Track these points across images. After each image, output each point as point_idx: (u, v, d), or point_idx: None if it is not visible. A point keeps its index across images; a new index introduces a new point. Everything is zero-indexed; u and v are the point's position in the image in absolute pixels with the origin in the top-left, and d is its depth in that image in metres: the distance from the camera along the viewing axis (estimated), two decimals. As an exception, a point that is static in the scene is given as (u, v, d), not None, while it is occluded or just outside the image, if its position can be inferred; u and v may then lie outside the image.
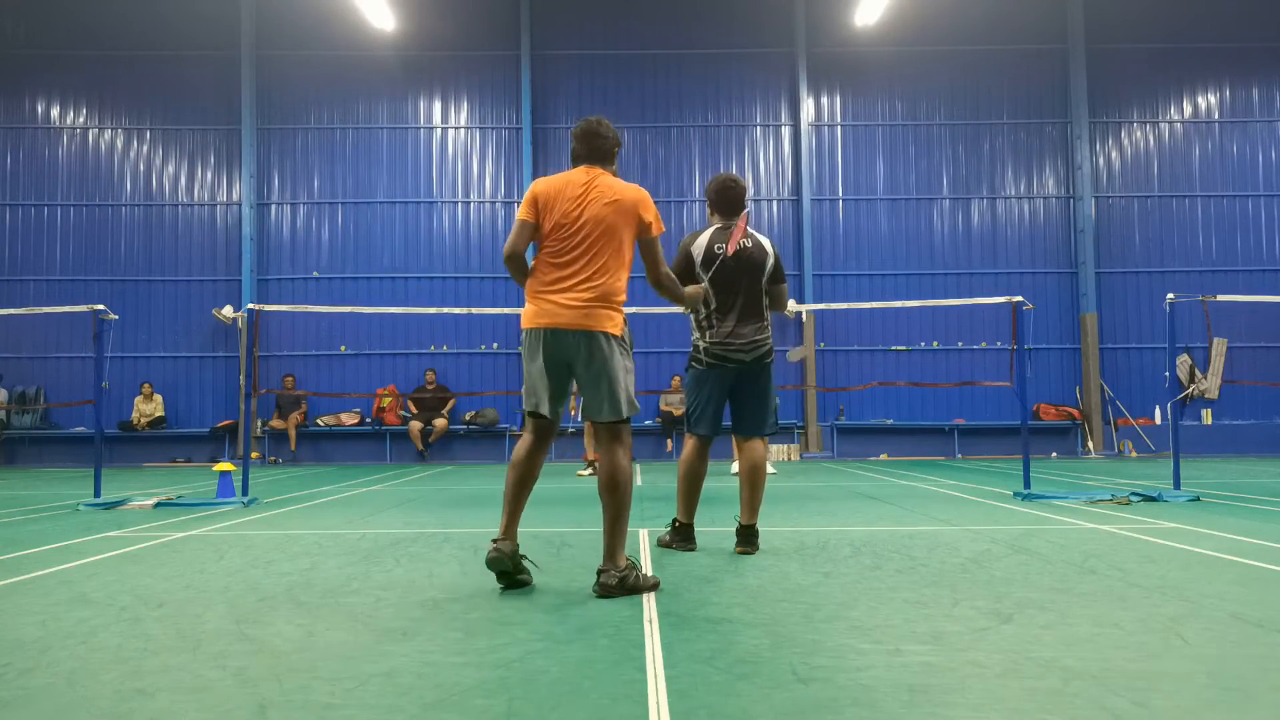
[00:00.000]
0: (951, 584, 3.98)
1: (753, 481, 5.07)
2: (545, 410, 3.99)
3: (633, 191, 4.02)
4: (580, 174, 4.04)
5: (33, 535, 6.07)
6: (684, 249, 5.06)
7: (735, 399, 5.10)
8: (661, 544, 5.23)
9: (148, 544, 5.53)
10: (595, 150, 4.08)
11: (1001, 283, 17.10)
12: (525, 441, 4.06)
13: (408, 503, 8.35)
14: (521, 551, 3.98)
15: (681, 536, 5.17)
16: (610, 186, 4.00)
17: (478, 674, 2.65)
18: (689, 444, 5.13)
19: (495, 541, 3.88)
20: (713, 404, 5.05)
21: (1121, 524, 6.12)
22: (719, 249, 4.99)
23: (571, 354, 3.93)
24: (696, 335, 5.08)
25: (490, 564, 3.84)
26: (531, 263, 4.06)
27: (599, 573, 3.81)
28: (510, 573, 3.89)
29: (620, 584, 3.75)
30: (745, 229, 5.08)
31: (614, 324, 3.94)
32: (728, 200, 5.12)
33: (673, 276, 4.27)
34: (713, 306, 4.97)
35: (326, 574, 4.38)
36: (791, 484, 10.50)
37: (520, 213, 4.06)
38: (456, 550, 5.15)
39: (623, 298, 4.02)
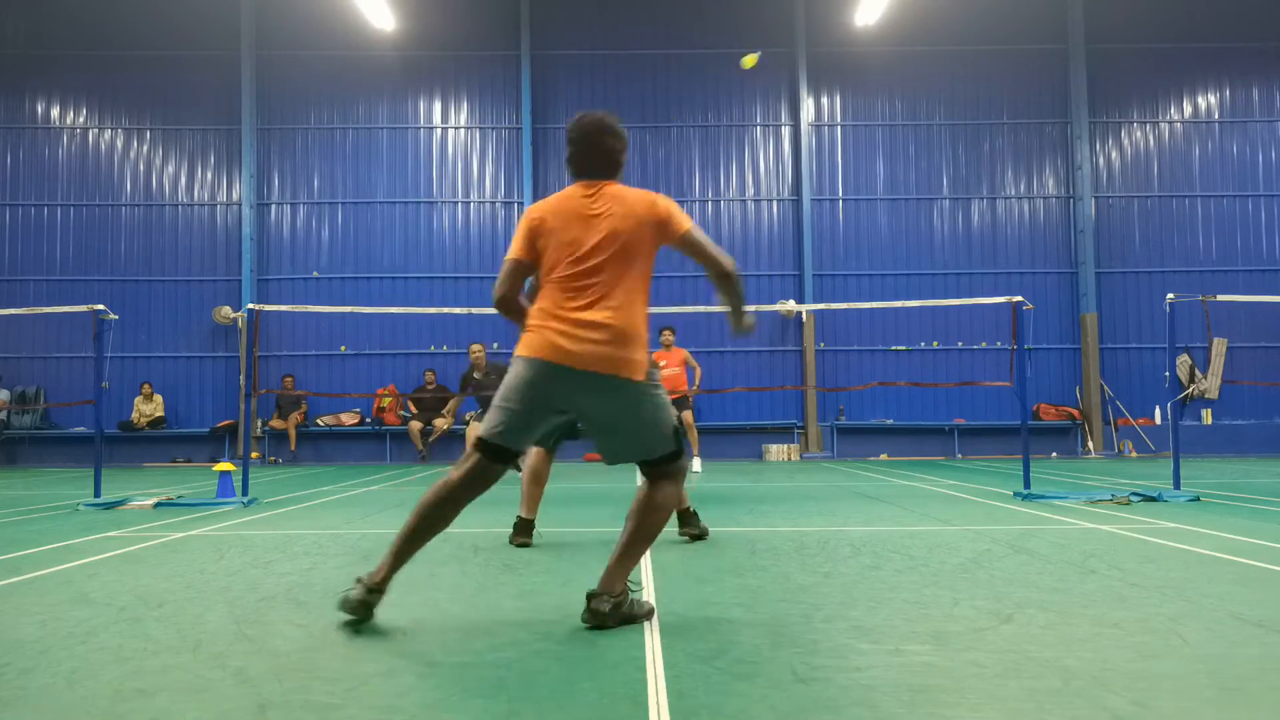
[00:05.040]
0: (951, 584, 3.98)
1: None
2: (515, 445, 3.31)
3: (641, 198, 3.36)
4: (579, 190, 3.37)
5: (33, 535, 6.07)
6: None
7: None
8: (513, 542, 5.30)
9: (148, 544, 5.53)
10: (603, 159, 3.39)
11: (1001, 283, 17.10)
12: (460, 474, 3.28)
13: (408, 503, 8.32)
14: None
15: (519, 531, 5.35)
16: (620, 199, 3.33)
17: (478, 674, 2.64)
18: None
19: (367, 583, 3.23)
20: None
21: (1121, 524, 6.12)
22: None
23: (578, 398, 3.27)
24: None
25: (346, 608, 3.20)
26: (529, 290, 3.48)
27: (590, 597, 3.19)
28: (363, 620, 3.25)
29: (614, 611, 3.18)
30: None
31: (639, 368, 3.26)
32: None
33: (732, 262, 3.48)
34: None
35: (326, 574, 4.38)
36: (791, 484, 10.51)
37: (512, 250, 3.39)
38: (456, 550, 5.15)
39: (645, 334, 3.35)
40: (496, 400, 3.30)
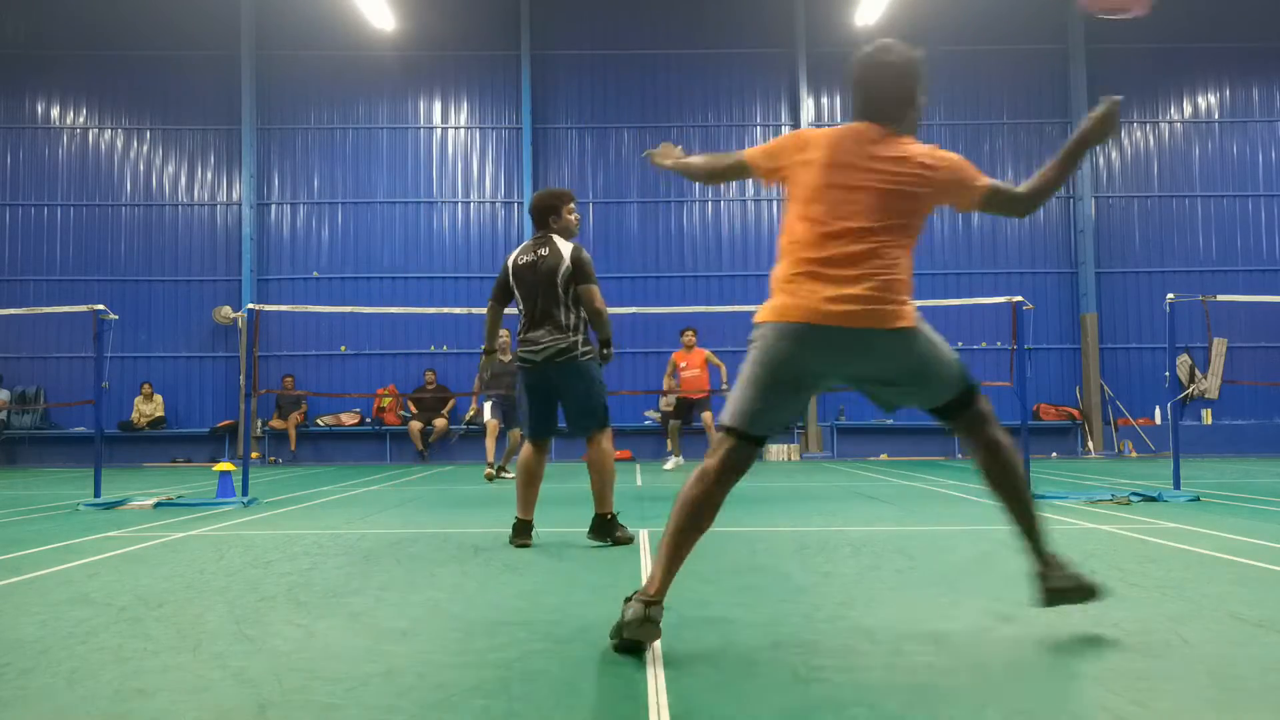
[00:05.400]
0: (951, 584, 3.98)
1: (592, 474, 5.37)
2: (766, 429, 2.97)
3: (949, 156, 3.08)
4: (870, 130, 3.05)
5: (33, 535, 6.07)
6: (504, 267, 5.53)
7: (560, 401, 5.40)
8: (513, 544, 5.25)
9: (148, 544, 5.53)
10: (890, 98, 3.14)
11: (1001, 283, 17.10)
12: (713, 466, 2.93)
13: (407, 503, 8.35)
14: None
15: (518, 532, 5.31)
16: (919, 150, 3.05)
17: (478, 674, 2.64)
18: (524, 447, 5.46)
19: (641, 598, 2.83)
20: (531, 407, 5.40)
21: (1121, 524, 6.12)
22: (521, 260, 5.42)
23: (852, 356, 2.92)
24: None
25: (630, 632, 2.77)
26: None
27: (1051, 592, 3.02)
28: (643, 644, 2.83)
29: (1072, 581, 3.03)
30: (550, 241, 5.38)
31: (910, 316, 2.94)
32: (533, 213, 5.56)
33: None
34: (529, 316, 5.35)
35: (326, 574, 4.38)
36: (791, 484, 10.51)
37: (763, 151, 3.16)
38: (456, 550, 5.15)
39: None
40: (748, 386, 2.94)
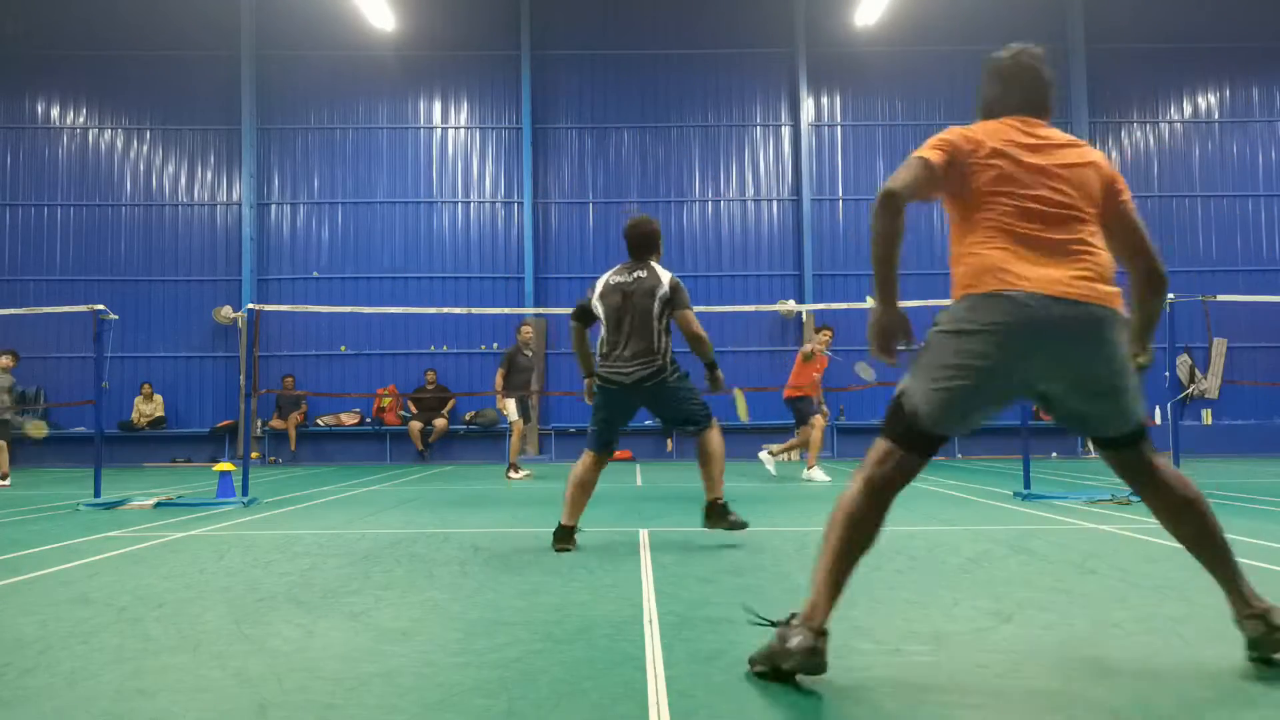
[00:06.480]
0: (951, 584, 3.98)
1: (701, 465, 5.42)
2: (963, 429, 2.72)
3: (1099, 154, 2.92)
4: (1019, 123, 2.88)
5: (33, 535, 6.07)
6: (589, 290, 5.57)
7: (655, 414, 5.48)
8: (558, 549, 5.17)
9: (148, 544, 5.53)
10: (1046, 100, 3.03)
11: (1001, 283, 17.05)
12: (890, 471, 2.70)
13: (408, 503, 8.35)
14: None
15: (561, 538, 5.24)
16: (1075, 141, 2.91)
17: (478, 674, 2.64)
18: (584, 457, 5.39)
19: (808, 625, 2.53)
20: (604, 422, 5.40)
21: (1121, 524, 6.12)
22: (613, 281, 5.48)
23: (1075, 343, 2.62)
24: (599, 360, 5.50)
25: (794, 663, 2.50)
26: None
27: (1259, 618, 2.71)
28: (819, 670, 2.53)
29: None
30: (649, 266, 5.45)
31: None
32: (635, 238, 5.55)
33: None
34: (613, 338, 5.38)
35: (326, 574, 4.38)
36: (792, 484, 10.51)
37: (929, 152, 2.73)
38: (456, 550, 5.15)
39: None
40: (938, 372, 2.66)
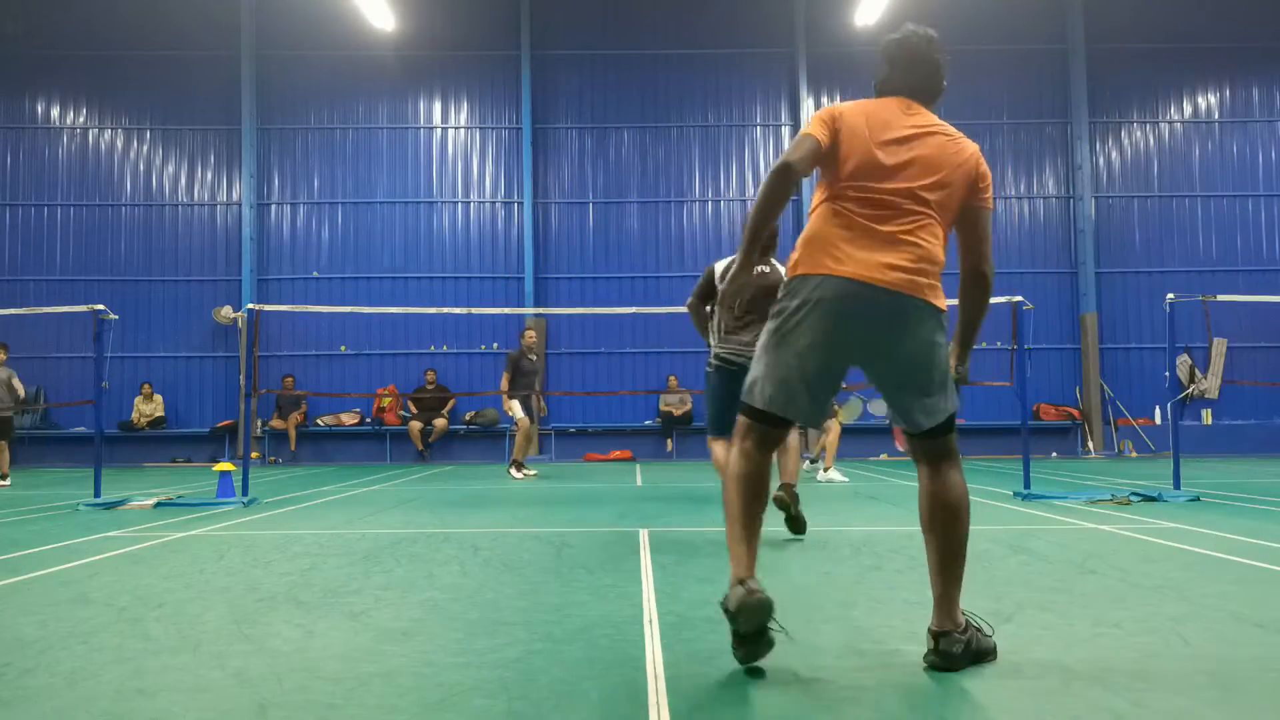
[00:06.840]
0: (951, 584, 3.97)
1: (789, 451, 5.97)
2: (794, 414, 2.87)
3: (972, 145, 2.97)
4: (899, 105, 2.99)
5: (33, 535, 6.07)
6: (709, 271, 5.75)
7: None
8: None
9: (148, 544, 5.53)
10: (928, 83, 3.04)
11: (1001, 283, 16.90)
12: (757, 439, 2.86)
13: (408, 503, 8.35)
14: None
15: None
16: (948, 133, 2.94)
17: (478, 674, 2.64)
18: (722, 448, 5.43)
19: (744, 583, 2.61)
20: (725, 404, 5.38)
21: (1121, 524, 6.12)
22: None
23: (881, 327, 2.75)
24: (713, 341, 5.66)
25: (746, 611, 2.57)
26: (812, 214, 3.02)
27: (937, 637, 2.70)
28: (764, 631, 2.64)
29: (965, 651, 2.70)
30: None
31: (937, 292, 2.81)
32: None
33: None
34: (735, 317, 5.54)
35: (326, 574, 4.38)
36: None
37: (812, 128, 2.92)
38: (456, 550, 5.15)
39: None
40: (771, 364, 2.84)
